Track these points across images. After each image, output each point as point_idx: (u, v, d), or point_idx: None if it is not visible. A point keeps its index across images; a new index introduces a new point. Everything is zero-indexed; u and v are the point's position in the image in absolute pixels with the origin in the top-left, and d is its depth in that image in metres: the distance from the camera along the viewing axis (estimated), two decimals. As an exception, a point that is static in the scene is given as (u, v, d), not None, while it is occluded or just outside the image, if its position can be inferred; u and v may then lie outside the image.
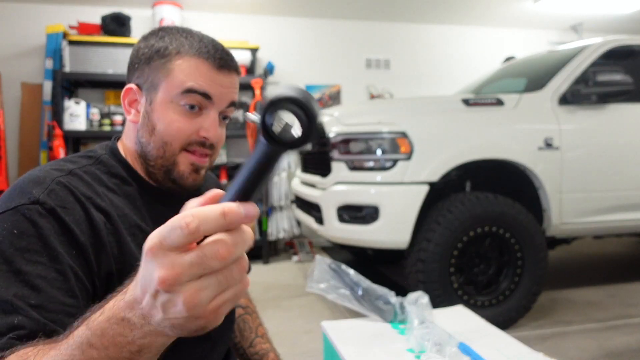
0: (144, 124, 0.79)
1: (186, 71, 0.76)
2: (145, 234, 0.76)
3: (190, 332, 0.41)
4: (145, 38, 0.81)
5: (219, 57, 0.77)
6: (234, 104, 0.81)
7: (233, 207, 0.39)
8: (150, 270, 0.39)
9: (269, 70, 4.46)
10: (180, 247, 0.39)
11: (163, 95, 0.77)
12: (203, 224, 0.38)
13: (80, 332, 0.46)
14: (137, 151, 0.82)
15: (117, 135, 0.88)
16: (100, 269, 0.69)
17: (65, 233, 0.66)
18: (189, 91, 0.76)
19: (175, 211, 0.84)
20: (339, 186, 2.57)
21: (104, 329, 0.44)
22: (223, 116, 0.82)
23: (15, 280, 0.60)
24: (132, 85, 0.80)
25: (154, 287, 0.39)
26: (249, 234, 0.41)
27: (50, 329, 0.58)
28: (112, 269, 0.70)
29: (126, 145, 0.84)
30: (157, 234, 0.40)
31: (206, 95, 0.77)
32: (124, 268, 0.72)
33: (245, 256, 0.42)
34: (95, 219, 0.70)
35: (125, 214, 0.76)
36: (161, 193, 0.84)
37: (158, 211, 0.82)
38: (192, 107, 0.77)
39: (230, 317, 0.98)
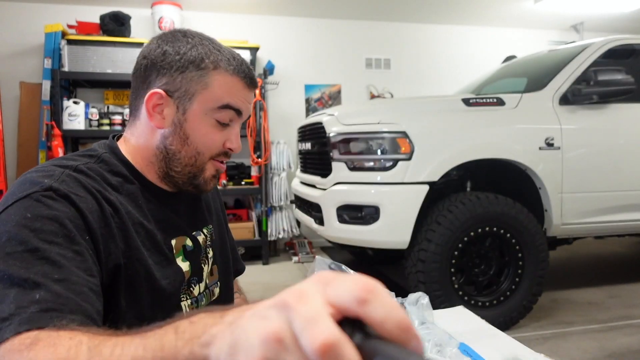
0: (174, 132, 0.80)
1: (224, 87, 0.79)
2: (148, 232, 0.77)
3: None
4: (168, 41, 0.80)
5: (251, 77, 0.82)
6: (249, 116, 0.87)
7: None
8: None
9: (269, 70, 4.45)
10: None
11: (198, 107, 0.79)
12: None
13: (135, 343, 0.43)
14: (156, 155, 0.82)
15: (115, 134, 0.88)
16: (108, 261, 0.69)
17: (79, 218, 0.66)
18: (226, 107, 0.80)
19: (175, 210, 0.85)
20: (339, 186, 2.56)
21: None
22: None
23: (33, 258, 0.58)
24: (159, 91, 0.78)
25: None
26: None
27: (75, 303, 0.57)
28: (120, 262, 0.71)
29: (133, 145, 0.83)
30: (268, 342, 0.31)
31: (238, 112, 0.82)
32: (129, 263, 0.72)
33: None
34: (106, 210, 0.71)
35: (129, 211, 0.76)
36: (162, 192, 0.84)
37: (159, 210, 0.82)
38: (223, 122, 0.81)
39: None
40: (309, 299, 0.30)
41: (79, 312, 0.57)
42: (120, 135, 0.87)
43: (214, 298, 0.92)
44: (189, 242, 0.86)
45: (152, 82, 0.80)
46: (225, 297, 0.98)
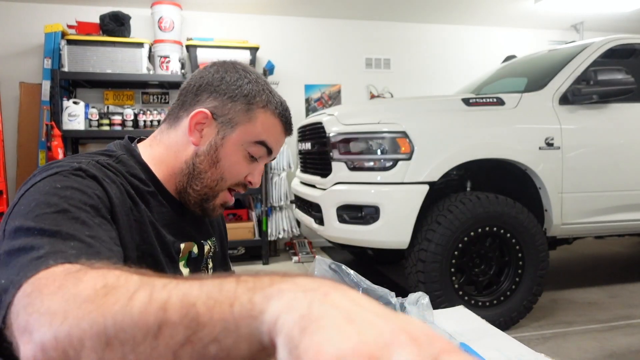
0: (208, 152, 0.82)
1: (266, 126, 0.83)
2: (159, 232, 0.78)
3: None
4: (228, 70, 0.84)
5: (290, 124, 0.88)
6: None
7: None
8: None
9: (269, 69, 4.45)
10: None
11: (238, 137, 0.82)
12: None
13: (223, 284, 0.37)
14: (182, 169, 0.84)
15: (136, 137, 0.89)
16: (125, 246, 0.69)
17: (106, 198, 0.67)
18: (261, 144, 0.84)
19: (186, 221, 0.85)
20: (339, 186, 2.56)
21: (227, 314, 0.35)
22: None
23: (64, 218, 0.58)
24: (206, 111, 0.81)
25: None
26: None
27: (109, 257, 0.56)
28: (132, 255, 0.71)
29: (161, 152, 0.85)
30: None
31: (270, 151, 0.86)
32: (142, 257, 0.73)
33: None
34: (127, 201, 0.72)
35: (142, 209, 0.78)
36: (174, 200, 0.86)
37: (170, 215, 0.84)
38: (254, 156, 0.85)
39: None
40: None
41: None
42: (140, 139, 0.89)
43: None
44: (195, 249, 0.88)
45: (202, 101, 0.83)
46: None
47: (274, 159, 0.90)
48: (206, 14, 4.57)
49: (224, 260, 1.04)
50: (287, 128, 0.87)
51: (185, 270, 0.85)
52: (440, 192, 2.65)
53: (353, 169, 2.52)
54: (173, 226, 0.84)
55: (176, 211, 0.85)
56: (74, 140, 4.10)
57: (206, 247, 0.92)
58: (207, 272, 0.93)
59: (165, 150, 0.85)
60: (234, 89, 0.82)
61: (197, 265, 0.89)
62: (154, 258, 0.76)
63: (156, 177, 0.83)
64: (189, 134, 0.82)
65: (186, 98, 0.84)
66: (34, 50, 4.15)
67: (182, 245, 0.84)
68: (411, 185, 2.41)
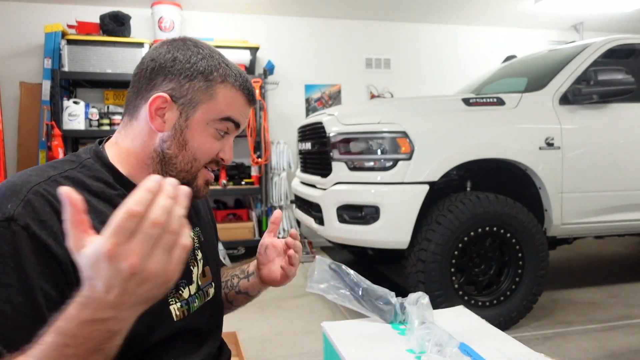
0: (174, 136, 0.81)
1: (228, 101, 0.82)
2: None
3: (159, 295, 0.52)
4: (179, 48, 0.81)
5: (253, 94, 0.87)
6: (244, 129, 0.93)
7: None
8: (113, 268, 0.47)
9: (269, 69, 4.45)
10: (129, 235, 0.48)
11: (201, 116, 0.81)
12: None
13: (52, 339, 0.51)
14: (152, 157, 0.82)
15: (102, 138, 0.87)
16: (78, 280, 0.69)
17: (39, 249, 0.65)
18: (227, 119, 0.83)
19: None
20: (339, 186, 2.56)
21: (75, 332, 0.50)
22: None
23: None
24: (164, 95, 0.79)
25: (123, 277, 0.47)
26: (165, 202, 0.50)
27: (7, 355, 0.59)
28: None
29: (127, 147, 0.82)
30: (107, 239, 0.48)
31: (237, 125, 0.86)
32: None
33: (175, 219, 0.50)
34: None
35: (108, 220, 0.75)
36: None
37: None
38: (222, 132, 0.84)
39: (218, 311, 0.99)
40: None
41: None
42: (108, 138, 0.86)
43: (209, 298, 0.93)
44: None
45: (158, 85, 0.80)
46: (219, 297, 0.99)
47: (242, 130, 0.89)
48: (206, 14, 4.58)
49: (214, 247, 1.02)
50: (250, 99, 0.86)
51: None
52: (440, 192, 2.65)
53: (353, 169, 2.52)
54: None
55: None
56: (74, 140, 4.10)
57: None
58: (197, 264, 0.91)
59: (131, 143, 0.82)
60: (189, 67, 0.79)
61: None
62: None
63: (124, 177, 0.81)
64: (150, 122, 0.80)
65: (140, 85, 0.81)
66: (34, 50, 4.15)
67: None
68: (411, 185, 2.41)
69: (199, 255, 0.93)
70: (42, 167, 0.75)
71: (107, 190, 0.78)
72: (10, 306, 0.62)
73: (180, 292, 0.85)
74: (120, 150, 0.82)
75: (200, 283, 0.91)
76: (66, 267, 0.67)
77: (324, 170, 2.74)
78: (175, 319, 0.82)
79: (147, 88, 0.81)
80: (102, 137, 0.88)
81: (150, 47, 4.11)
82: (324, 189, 2.65)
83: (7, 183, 0.70)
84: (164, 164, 0.82)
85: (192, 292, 0.88)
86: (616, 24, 5.41)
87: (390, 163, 2.43)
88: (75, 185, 0.73)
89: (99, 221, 0.73)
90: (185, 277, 0.87)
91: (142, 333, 0.75)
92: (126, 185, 0.80)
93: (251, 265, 1.08)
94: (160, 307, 0.80)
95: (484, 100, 2.63)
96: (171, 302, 0.82)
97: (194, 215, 0.97)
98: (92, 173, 0.78)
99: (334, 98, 4.97)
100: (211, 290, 0.95)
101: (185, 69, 0.80)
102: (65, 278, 0.67)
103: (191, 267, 0.89)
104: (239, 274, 1.10)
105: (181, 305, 0.84)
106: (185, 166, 0.82)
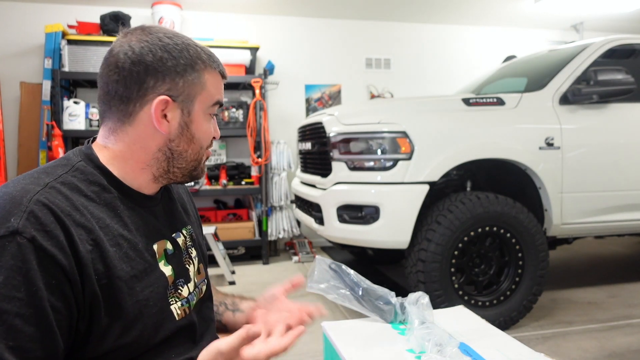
0: (182, 133, 0.82)
1: (214, 85, 0.85)
2: (129, 242, 0.77)
3: None
4: (156, 45, 0.78)
5: (224, 69, 0.88)
6: None
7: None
8: None
9: (269, 69, 4.45)
10: None
11: (199, 107, 0.84)
12: None
13: None
14: (157, 157, 0.82)
15: (90, 139, 0.85)
16: (84, 288, 0.69)
17: (46, 261, 0.65)
18: (217, 103, 0.87)
19: (154, 214, 0.86)
20: (339, 186, 2.56)
21: None
22: None
23: None
24: (167, 98, 0.79)
25: None
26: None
27: None
28: (95, 288, 0.70)
29: (120, 151, 0.81)
30: None
31: (221, 104, 0.89)
32: (110, 282, 0.72)
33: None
34: (76, 237, 0.69)
35: (107, 225, 0.75)
36: (141, 197, 0.84)
37: (138, 215, 0.82)
38: (213, 114, 0.88)
39: (211, 306, 1.00)
40: None
41: None
42: (94, 140, 0.85)
43: (202, 295, 0.94)
44: (169, 246, 0.86)
45: (151, 88, 0.78)
46: (210, 292, 1.00)
47: None
48: (206, 14, 4.58)
49: (203, 247, 1.02)
50: (224, 75, 0.89)
51: (166, 269, 0.83)
52: (440, 192, 2.65)
53: (353, 168, 2.53)
54: (145, 227, 0.82)
55: (145, 208, 0.84)
56: (74, 140, 4.10)
57: (180, 240, 0.90)
58: (192, 262, 0.92)
59: (127, 147, 0.80)
60: (176, 64, 0.79)
61: (177, 260, 0.87)
62: (121, 279, 0.74)
63: (117, 179, 0.80)
64: (157, 125, 0.79)
65: (127, 90, 0.78)
66: (34, 50, 4.15)
67: (156, 246, 0.82)
68: (411, 185, 2.41)
69: (193, 253, 0.94)
70: (34, 173, 0.74)
71: (103, 193, 0.77)
72: (22, 320, 0.62)
73: (179, 291, 0.85)
74: (113, 154, 0.81)
75: (196, 280, 0.92)
76: (72, 276, 0.67)
77: (324, 170, 2.74)
78: (177, 318, 0.83)
79: (140, 93, 0.78)
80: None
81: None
82: (324, 189, 2.66)
83: (3, 195, 0.68)
84: (172, 160, 0.84)
85: (190, 290, 0.88)
86: (616, 24, 5.41)
87: (390, 163, 2.43)
88: (71, 190, 0.73)
89: (98, 227, 0.73)
90: (183, 275, 0.87)
91: (146, 335, 0.76)
92: (120, 188, 0.80)
93: (244, 303, 1.08)
94: (162, 308, 0.80)
95: (484, 100, 2.63)
96: (172, 302, 0.83)
97: (184, 214, 0.97)
98: (86, 176, 0.77)
99: (334, 98, 4.97)
100: (204, 287, 0.96)
101: (174, 66, 0.79)
102: (71, 288, 0.67)
103: (187, 266, 0.90)
104: (229, 304, 1.09)
105: (182, 304, 0.85)
106: (195, 156, 0.86)
